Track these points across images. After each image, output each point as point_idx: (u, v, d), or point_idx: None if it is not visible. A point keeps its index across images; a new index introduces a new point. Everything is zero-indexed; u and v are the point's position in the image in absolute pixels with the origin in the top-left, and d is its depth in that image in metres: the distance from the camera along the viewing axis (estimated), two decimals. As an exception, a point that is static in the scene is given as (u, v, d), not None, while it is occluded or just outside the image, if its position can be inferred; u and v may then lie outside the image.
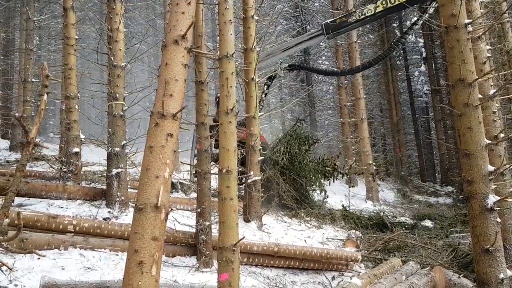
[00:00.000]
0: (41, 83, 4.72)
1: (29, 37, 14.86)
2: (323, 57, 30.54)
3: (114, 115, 8.53)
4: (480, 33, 6.13)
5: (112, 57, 8.57)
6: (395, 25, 27.98)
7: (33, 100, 14.69)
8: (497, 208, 4.60)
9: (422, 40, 28.48)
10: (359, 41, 17.70)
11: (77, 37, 10.60)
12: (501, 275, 4.50)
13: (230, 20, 5.31)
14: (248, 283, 6.57)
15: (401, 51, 27.86)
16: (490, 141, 4.75)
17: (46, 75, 4.34)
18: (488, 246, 4.49)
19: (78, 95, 10.35)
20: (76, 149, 9.84)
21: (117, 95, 8.49)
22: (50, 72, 8.96)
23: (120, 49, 8.63)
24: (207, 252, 7.12)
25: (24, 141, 4.24)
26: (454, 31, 4.76)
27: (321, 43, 29.76)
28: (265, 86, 14.03)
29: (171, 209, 9.08)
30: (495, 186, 4.79)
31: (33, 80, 14.91)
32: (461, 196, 17.62)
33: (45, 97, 4.24)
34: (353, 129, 19.16)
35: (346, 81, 19.32)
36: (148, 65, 22.57)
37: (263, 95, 13.78)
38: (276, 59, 13.19)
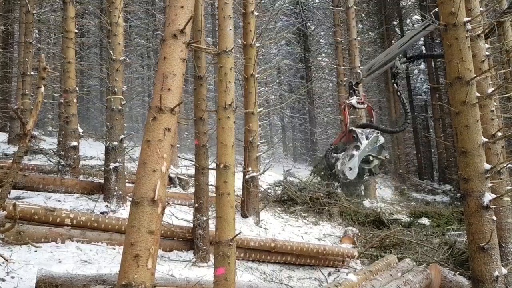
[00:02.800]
0: (38, 75, 4.71)
1: (28, 30, 14.79)
2: (323, 54, 30.54)
3: (112, 109, 8.53)
4: (479, 32, 6.13)
5: (111, 51, 8.56)
6: (395, 22, 27.92)
7: (32, 94, 14.62)
8: (493, 206, 4.61)
9: (422, 38, 28.43)
10: (359, 39, 17.67)
11: (76, 31, 10.58)
12: (496, 273, 4.52)
13: (230, 15, 5.30)
14: (244, 278, 6.59)
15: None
16: (487, 139, 4.77)
17: (44, 67, 4.33)
18: (484, 244, 4.51)
19: (77, 89, 10.33)
20: (74, 143, 9.84)
21: (116, 89, 8.49)
22: (49, 66, 8.95)
23: (119, 43, 8.62)
24: (204, 247, 7.14)
25: (21, 133, 4.23)
26: (453, 29, 4.77)
27: (321, 40, 29.79)
28: (395, 86, 14.09)
29: (168, 203, 9.06)
30: (492, 184, 4.81)
31: (32, 73, 14.86)
32: (458, 195, 17.65)
33: (42, 89, 4.23)
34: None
35: (345, 79, 19.28)
36: (147, 60, 22.55)
37: (398, 94, 13.96)
38: (395, 56, 13.07)
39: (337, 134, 16.66)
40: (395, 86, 14.22)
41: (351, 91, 13.93)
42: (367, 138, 13.17)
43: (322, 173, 14.30)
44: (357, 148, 12.99)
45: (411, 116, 13.95)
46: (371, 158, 13.29)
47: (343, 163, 12.75)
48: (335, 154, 13.58)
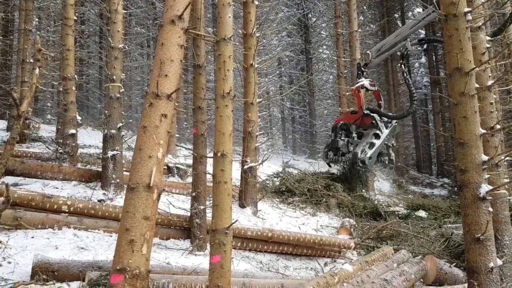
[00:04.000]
0: (33, 57, 4.70)
1: (28, 17, 14.68)
2: (324, 46, 30.41)
3: (110, 97, 8.50)
4: (480, 23, 6.09)
5: (110, 38, 8.52)
6: (397, 15, 27.80)
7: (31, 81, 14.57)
8: (490, 198, 4.60)
9: (423, 32, 28.34)
10: (360, 31, 17.59)
11: (76, 18, 10.51)
12: (491, 264, 4.52)
13: (229, 3, 5.25)
14: (241, 267, 6.61)
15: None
16: (485, 131, 4.76)
17: (39, 49, 4.31)
18: (479, 235, 4.50)
19: (76, 76, 10.29)
20: (73, 131, 9.81)
21: (114, 77, 8.46)
22: (48, 53, 8.90)
23: (118, 31, 8.57)
24: (201, 236, 7.16)
25: (15, 115, 4.22)
26: (453, 20, 4.73)
27: (322, 32, 29.66)
28: (402, 66, 13.40)
29: (165, 190, 9.07)
30: (489, 176, 4.80)
31: (32, 61, 14.80)
32: (456, 188, 17.68)
33: (37, 71, 4.22)
34: (352, 119, 19.06)
35: (346, 71, 19.22)
36: (147, 49, 22.45)
37: (405, 75, 13.26)
38: (406, 37, 12.70)
39: (342, 113, 16.02)
40: (403, 67, 13.65)
41: (359, 72, 13.37)
42: (386, 127, 12.69)
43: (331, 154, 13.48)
44: (377, 136, 12.43)
45: (416, 98, 13.46)
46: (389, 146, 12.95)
47: (363, 151, 12.16)
48: (346, 138, 12.93)
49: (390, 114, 14.58)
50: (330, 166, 13.51)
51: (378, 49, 13.08)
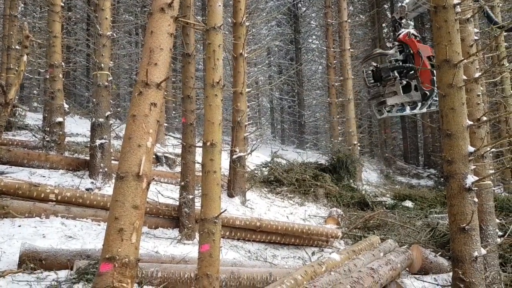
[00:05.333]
0: (21, 44, 4.62)
1: (13, 3, 14.41)
2: (314, 36, 30.38)
3: (98, 85, 8.42)
4: (469, 15, 6.13)
5: (98, 26, 8.41)
6: (387, 6, 27.81)
7: (17, 68, 14.33)
8: (475, 188, 4.68)
9: (412, 23, 28.38)
10: (349, 21, 17.59)
11: (63, 5, 10.34)
12: (476, 253, 4.61)
13: (219, -9, 5.21)
14: (229, 256, 6.65)
15: (391, 33, 27.72)
16: (472, 123, 4.81)
17: (26, 36, 4.23)
18: (465, 224, 4.58)
19: (63, 64, 10.15)
20: (60, 119, 9.71)
21: (102, 65, 8.37)
22: (34, 40, 8.74)
23: (106, 18, 8.46)
24: (190, 225, 7.17)
25: (2, 102, 4.16)
26: (442, 11, 4.75)
27: (312, 22, 29.60)
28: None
29: (154, 180, 9.03)
30: (475, 167, 4.87)
31: (17, 47, 14.53)
32: (442, 179, 17.90)
33: (24, 58, 4.15)
34: (340, 109, 19.16)
35: (335, 61, 19.24)
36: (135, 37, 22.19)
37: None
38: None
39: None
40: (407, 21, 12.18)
41: (396, 24, 12.05)
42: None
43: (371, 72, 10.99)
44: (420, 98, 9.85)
45: None
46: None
47: (396, 105, 10.12)
48: (396, 74, 10.23)
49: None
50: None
51: (415, 2, 11.97)
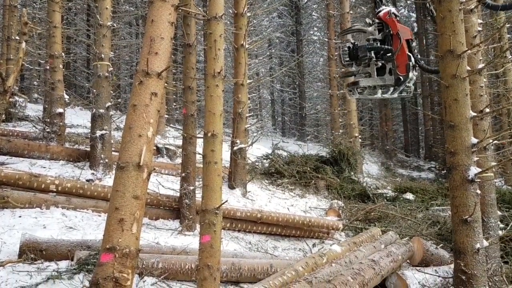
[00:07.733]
0: (20, 31, 4.57)
1: (13, -7, 14.34)
2: (315, 28, 30.21)
3: (99, 76, 8.37)
4: (472, 6, 6.07)
5: (98, 16, 8.35)
6: (389, -2, 27.63)
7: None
8: (478, 180, 4.65)
9: (414, 15, 28.25)
10: (351, 12, 17.46)
11: (63, -6, 10.27)
12: (478, 245, 4.59)
13: (220, -20, 5.14)
14: (230, 248, 6.64)
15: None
16: (475, 114, 4.77)
17: (25, 23, 4.19)
18: (467, 216, 4.56)
19: (63, 54, 10.09)
20: (60, 110, 9.67)
21: (103, 56, 8.31)
22: (34, 30, 8.69)
23: (106, 8, 8.39)
24: (191, 216, 7.17)
25: (1, 90, 4.13)
26: (446, 1, 4.69)
27: (313, 13, 29.41)
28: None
29: (155, 171, 9.01)
30: (477, 158, 4.84)
31: (17, 38, 14.46)
32: (443, 171, 17.87)
33: (23, 45, 4.11)
34: (342, 102, 19.08)
35: (336, 53, 19.11)
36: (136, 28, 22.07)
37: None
38: None
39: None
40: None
41: (377, 1, 11.54)
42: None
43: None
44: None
45: None
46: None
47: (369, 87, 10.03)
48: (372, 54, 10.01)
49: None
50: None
51: None
